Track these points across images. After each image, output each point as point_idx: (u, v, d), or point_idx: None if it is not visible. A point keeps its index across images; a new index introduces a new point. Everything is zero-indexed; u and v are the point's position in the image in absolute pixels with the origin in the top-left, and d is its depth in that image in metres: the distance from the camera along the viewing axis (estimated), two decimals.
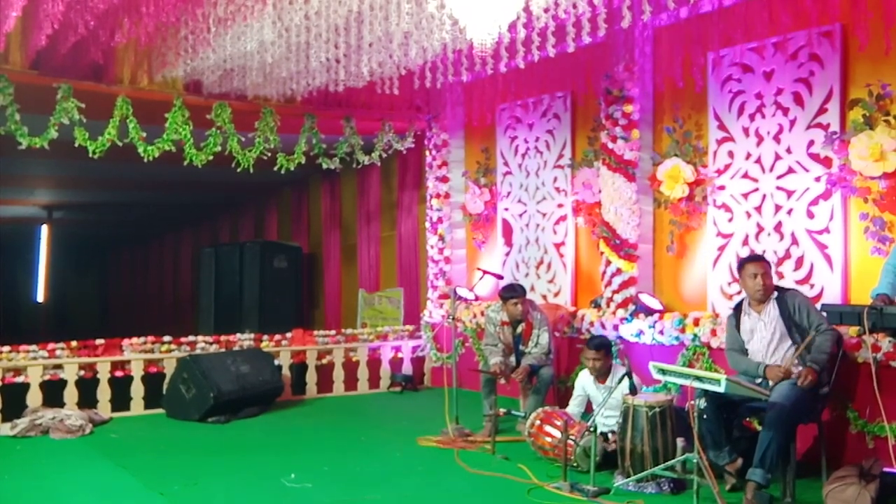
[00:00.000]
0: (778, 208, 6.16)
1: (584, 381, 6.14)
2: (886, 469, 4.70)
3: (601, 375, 6.00)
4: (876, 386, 4.62)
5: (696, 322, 6.41)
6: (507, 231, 8.76)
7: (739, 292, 5.83)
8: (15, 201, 14.15)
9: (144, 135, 7.44)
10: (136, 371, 7.77)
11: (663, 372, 4.86)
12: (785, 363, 4.95)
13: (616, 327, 7.03)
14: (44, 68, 6.96)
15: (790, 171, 6.07)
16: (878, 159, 5.34)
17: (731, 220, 6.49)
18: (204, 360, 7.56)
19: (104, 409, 7.52)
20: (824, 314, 5.00)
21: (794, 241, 6.05)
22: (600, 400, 5.92)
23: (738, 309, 5.35)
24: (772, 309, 5.13)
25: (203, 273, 13.39)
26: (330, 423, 7.42)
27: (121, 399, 7.67)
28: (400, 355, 9.26)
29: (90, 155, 7.31)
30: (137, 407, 7.74)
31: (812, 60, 5.87)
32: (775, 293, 5.17)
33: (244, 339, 8.47)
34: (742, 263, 5.32)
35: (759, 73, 6.24)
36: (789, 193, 6.08)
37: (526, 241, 8.52)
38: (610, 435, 5.55)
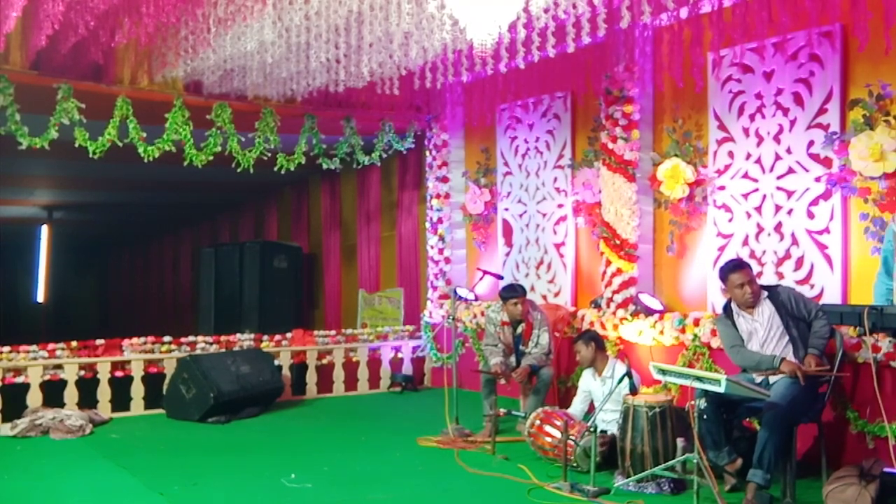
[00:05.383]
0: (778, 208, 6.16)
1: (586, 377, 6.26)
2: (886, 469, 4.70)
3: (591, 366, 6.19)
4: (876, 386, 4.62)
5: (697, 322, 6.41)
6: (508, 231, 8.76)
7: None
8: (15, 201, 14.15)
9: (144, 135, 7.44)
10: (136, 371, 7.77)
11: (663, 372, 4.85)
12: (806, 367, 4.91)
13: (616, 327, 7.04)
14: (44, 68, 6.96)
15: (790, 171, 6.07)
16: (878, 159, 5.34)
17: (731, 220, 6.49)
18: (204, 360, 7.56)
19: (104, 409, 7.53)
20: (820, 306, 5.01)
21: (794, 242, 6.05)
22: (598, 394, 6.01)
23: (727, 311, 5.29)
24: (766, 309, 5.11)
25: (203, 273, 13.36)
26: (330, 424, 7.42)
27: (121, 399, 7.68)
28: (400, 355, 9.26)
29: (90, 155, 7.32)
30: (137, 407, 7.75)
31: (812, 61, 5.87)
32: (765, 293, 5.16)
33: (244, 340, 8.47)
34: (725, 274, 5.20)
35: (759, 74, 6.24)
36: (789, 194, 6.08)
37: (526, 242, 8.51)
38: (601, 433, 5.53)
